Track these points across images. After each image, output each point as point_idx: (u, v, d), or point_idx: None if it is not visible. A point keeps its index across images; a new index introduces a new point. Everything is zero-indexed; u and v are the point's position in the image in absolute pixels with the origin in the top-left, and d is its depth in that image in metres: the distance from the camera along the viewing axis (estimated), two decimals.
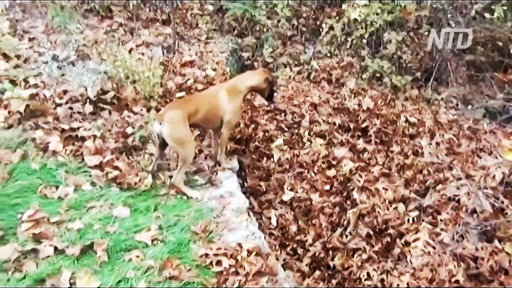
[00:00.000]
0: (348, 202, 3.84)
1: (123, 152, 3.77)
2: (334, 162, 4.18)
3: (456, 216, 3.33)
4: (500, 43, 6.07)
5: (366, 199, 3.68)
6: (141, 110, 4.20)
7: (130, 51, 4.95)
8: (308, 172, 4.15)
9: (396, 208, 3.56)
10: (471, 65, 6.24)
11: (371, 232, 3.47)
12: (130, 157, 3.76)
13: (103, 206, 3.20)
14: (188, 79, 4.90)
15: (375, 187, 3.75)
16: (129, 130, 3.92)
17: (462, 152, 4.10)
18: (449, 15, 5.98)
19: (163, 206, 3.37)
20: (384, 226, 3.46)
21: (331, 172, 4.10)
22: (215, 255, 2.91)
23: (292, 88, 5.27)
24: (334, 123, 4.60)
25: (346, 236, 3.54)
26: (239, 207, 3.48)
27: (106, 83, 4.18)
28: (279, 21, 6.43)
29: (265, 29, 6.30)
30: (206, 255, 2.91)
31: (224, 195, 3.59)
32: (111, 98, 4.18)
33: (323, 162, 4.20)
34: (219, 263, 2.87)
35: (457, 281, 2.90)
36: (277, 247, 3.65)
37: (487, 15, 5.87)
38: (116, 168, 3.57)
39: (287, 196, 3.95)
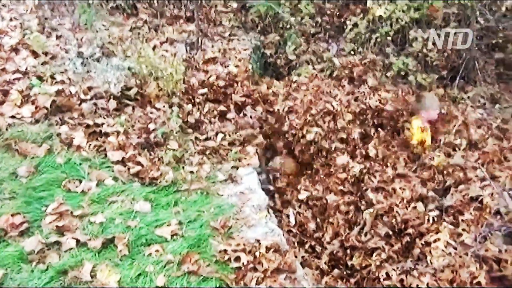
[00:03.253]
0: (363, 202, 3.81)
1: (145, 148, 3.83)
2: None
3: (479, 217, 3.25)
4: None
5: (383, 199, 3.64)
6: (164, 106, 4.25)
7: (154, 48, 5.02)
8: (318, 176, 4.20)
9: (415, 207, 3.50)
10: (501, 64, 6.08)
11: (390, 232, 3.42)
12: (152, 152, 3.81)
13: (125, 201, 3.26)
14: (211, 76, 4.92)
15: (392, 187, 3.70)
16: (151, 126, 3.97)
17: (488, 151, 3.99)
18: (477, 13, 5.83)
19: (183, 201, 3.40)
20: (403, 225, 3.41)
21: (342, 175, 4.10)
22: (234, 251, 2.93)
23: (313, 88, 5.20)
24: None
25: (365, 235, 3.50)
26: (259, 204, 3.48)
27: (130, 80, 4.25)
28: (302, 18, 6.39)
29: (288, 26, 6.28)
30: (225, 251, 2.92)
31: (244, 192, 3.60)
32: (135, 94, 4.24)
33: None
34: (237, 259, 2.88)
35: (479, 283, 2.83)
36: (296, 244, 3.67)
37: None
38: (138, 163, 3.63)
39: (302, 195, 3.99)
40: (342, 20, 6.41)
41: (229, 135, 4.21)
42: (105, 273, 2.65)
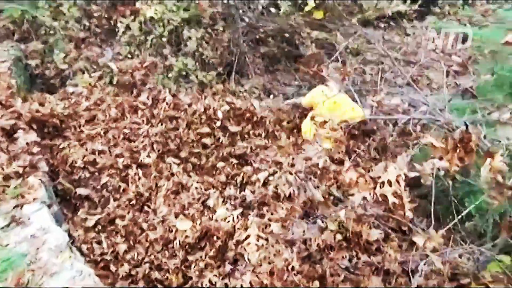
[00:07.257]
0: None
1: None
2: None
3: (284, 205, 3.51)
4: (287, 35, 6.69)
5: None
6: None
7: None
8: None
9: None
10: (267, 57, 6.74)
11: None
12: None
13: None
14: None
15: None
16: None
17: (283, 145, 4.28)
18: (240, 11, 6.31)
19: None
20: (214, 231, 3.43)
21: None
22: None
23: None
24: None
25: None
26: (57, 244, 2.99)
27: None
28: (67, 22, 5.79)
29: (52, 32, 5.60)
30: None
31: (36, 234, 3.04)
32: None
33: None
34: None
35: (293, 268, 3.05)
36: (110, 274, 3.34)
37: (273, 10, 6.41)
38: None
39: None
40: (112, 22, 6.06)
41: (2, 168, 3.51)
42: None
